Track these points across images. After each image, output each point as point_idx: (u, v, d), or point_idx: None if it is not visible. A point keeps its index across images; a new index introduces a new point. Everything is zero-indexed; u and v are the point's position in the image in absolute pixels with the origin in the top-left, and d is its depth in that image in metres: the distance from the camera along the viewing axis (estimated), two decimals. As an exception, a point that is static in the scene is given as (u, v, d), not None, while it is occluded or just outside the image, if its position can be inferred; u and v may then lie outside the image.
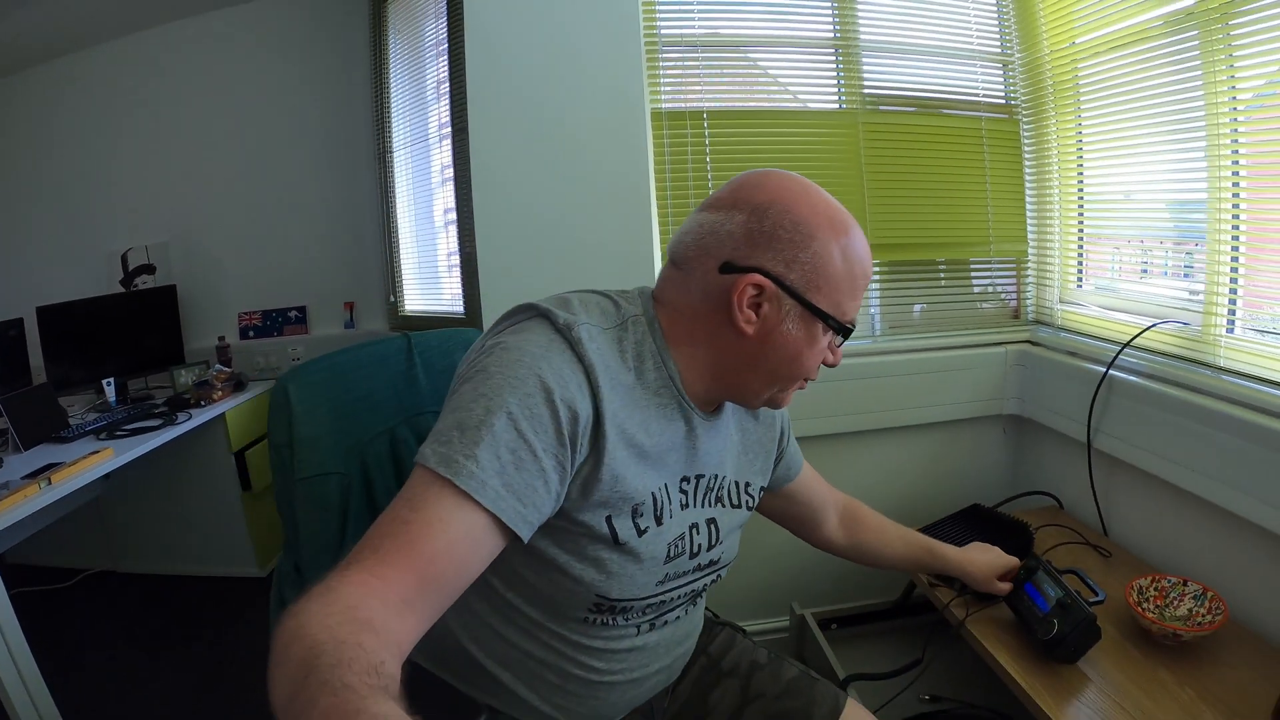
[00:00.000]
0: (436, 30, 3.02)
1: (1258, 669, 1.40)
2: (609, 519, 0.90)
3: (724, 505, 1.07)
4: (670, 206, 2.17)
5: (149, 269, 3.47)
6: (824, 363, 1.00)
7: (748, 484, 1.13)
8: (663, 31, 2.16)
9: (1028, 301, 2.47)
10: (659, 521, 0.96)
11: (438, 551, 0.73)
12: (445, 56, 2.94)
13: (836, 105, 2.32)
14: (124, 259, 3.47)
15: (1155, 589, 1.58)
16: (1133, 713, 1.23)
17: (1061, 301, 2.36)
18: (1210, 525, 1.70)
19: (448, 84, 2.91)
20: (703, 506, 1.03)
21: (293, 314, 3.52)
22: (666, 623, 1.07)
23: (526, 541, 0.83)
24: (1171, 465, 1.77)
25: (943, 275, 2.44)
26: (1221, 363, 1.76)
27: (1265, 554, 1.57)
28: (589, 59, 2.06)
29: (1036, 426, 2.32)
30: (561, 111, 2.05)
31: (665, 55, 2.17)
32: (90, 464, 2.41)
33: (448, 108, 2.96)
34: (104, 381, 3.11)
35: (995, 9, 2.41)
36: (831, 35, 2.30)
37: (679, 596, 1.05)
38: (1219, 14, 1.73)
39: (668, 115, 2.14)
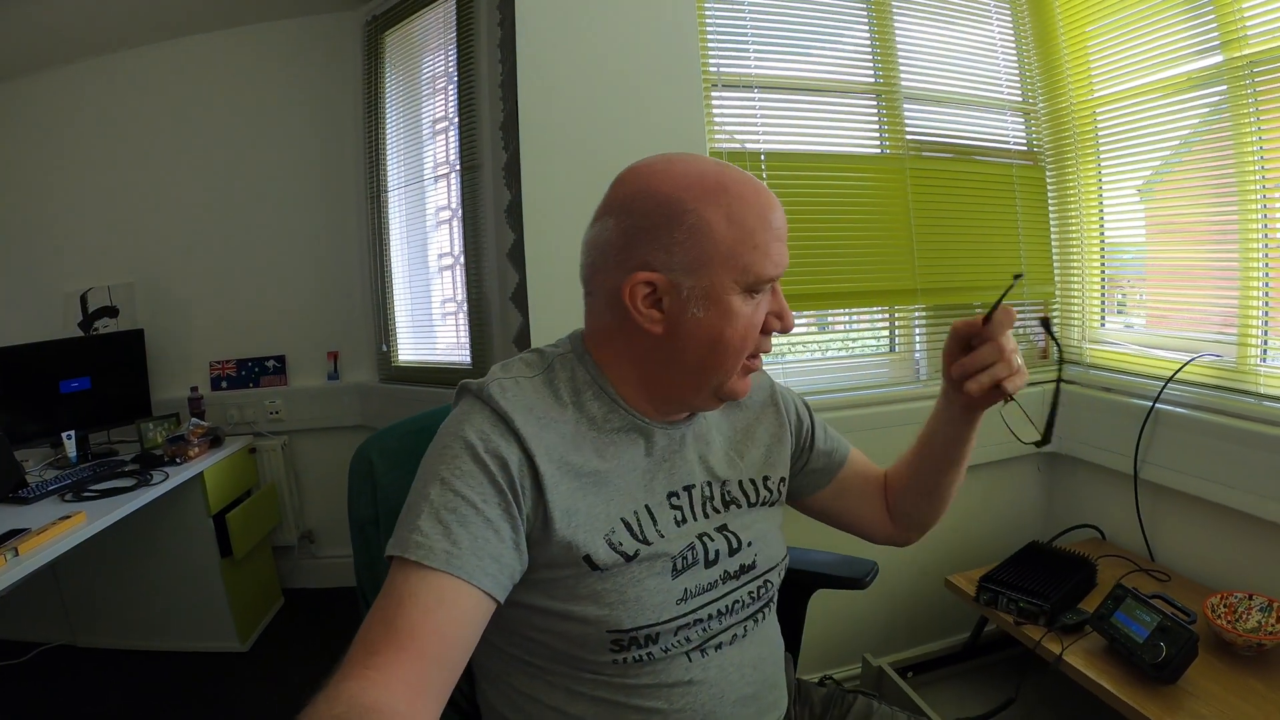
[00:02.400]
0: (435, 64, 2.93)
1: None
2: (586, 557, 0.89)
3: (736, 507, 1.03)
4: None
5: (111, 311, 3.18)
6: (771, 330, 0.96)
7: (761, 479, 1.08)
8: (720, 71, 2.15)
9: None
10: (646, 542, 0.92)
11: (415, 626, 0.75)
12: (446, 91, 2.85)
13: (879, 150, 2.36)
14: (83, 300, 3.17)
15: (1225, 605, 1.70)
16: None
17: (1089, 341, 2.45)
18: (1263, 540, 1.82)
19: (455, 119, 2.82)
20: (705, 517, 1.00)
21: (270, 363, 3.28)
22: (721, 645, 0.99)
23: (502, 598, 0.83)
24: (1220, 487, 1.90)
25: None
26: (1262, 389, 1.90)
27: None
28: (646, 97, 2.02)
29: (1072, 461, 2.39)
30: (618, 148, 1.97)
31: (722, 96, 2.16)
32: (62, 530, 2.13)
33: (446, 144, 2.87)
34: (64, 435, 2.81)
35: (1017, 59, 2.51)
36: (873, 82, 2.35)
37: (719, 612, 0.98)
38: (1246, 71, 1.87)
39: (727, 156, 2.10)
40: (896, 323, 2.46)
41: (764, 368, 1.05)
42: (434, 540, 0.79)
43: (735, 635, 1.00)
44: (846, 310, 2.45)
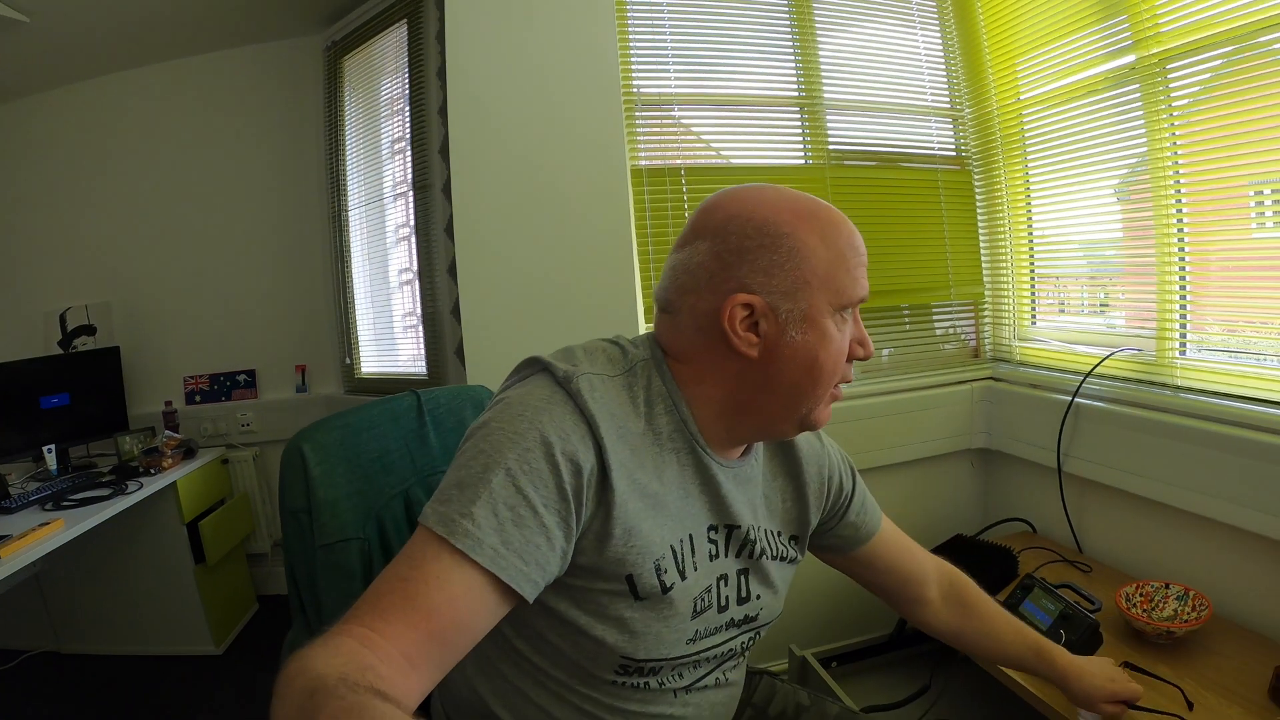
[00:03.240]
0: (393, 86, 3.04)
1: (1247, 654, 1.57)
2: (629, 576, 0.87)
3: (761, 558, 1.02)
4: (652, 260, 2.22)
5: (89, 330, 3.31)
6: (855, 357, 0.95)
7: (790, 537, 1.09)
8: (640, 90, 2.23)
9: (986, 340, 2.60)
10: (683, 575, 0.92)
11: (436, 608, 0.73)
12: (404, 113, 2.95)
13: (803, 160, 2.43)
14: (62, 319, 3.30)
15: (1140, 594, 1.73)
16: (1142, 704, 1.31)
17: (1019, 339, 2.52)
18: (1183, 530, 1.87)
19: (406, 140, 2.93)
20: (735, 558, 0.99)
21: (241, 378, 3.40)
22: (705, 687, 1.01)
23: (533, 600, 0.81)
24: (1140, 479, 1.95)
25: (907, 320, 2.55)
26: (1179, 382, 1.95)
27: (1238, 551, 1.74)
28: (571, 116, 2.11)
29: (1004, 457, 2.46)
30: (544, 168, 2.09)
31: (643, 114, 2.24)
32: (40, 536, 2.25)
33: (404, 165, 2.97)
34: (44, 448, 2.94)
35: (944, 66, 2.57)
36: (796, 94, 2.41)
37: (715, 657, 1.00)
38: (1159, 68, 1.92)
39: (647, 172, 2.20)
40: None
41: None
42: (485, 534, 0.76)
43: (717, 680, 1.03)
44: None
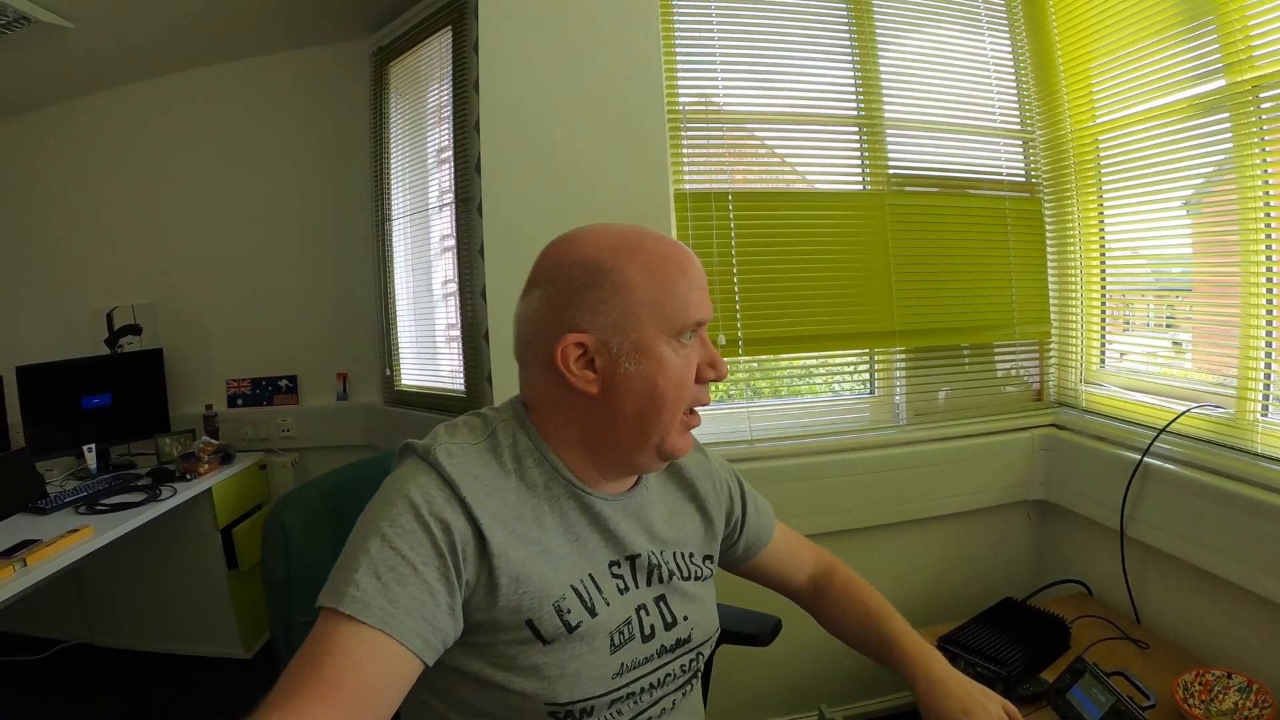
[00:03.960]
0: (439, 94, 2.97)
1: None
2: (529, 621, 0.88)
3: (674, 579, 1.03)
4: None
5: (135, 329, 3.33)
6: (704, 379, 0.97)
7: (702, 556, 1.10)
8: (687, 109, 2.12)
9: (1050, 383, 2.43)
10: (592, 612, 0.93)
11: (342, 677, 0.74)
12: (449, 122, 2.88)
13: (861, 185, 2.29)
14: (109, 318, 3.33)
15: (1200, 684, 1.59)
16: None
17: (1085, 383, 2.34)
18: (1253, 615, 1.70)
19: (450, 151, 2.86)
20: (647, 586, 1.00)
21: (283, 383, 3.38)
22: (651, 718, 1.00)
23: (431, 662, 0.82)
24: (1209, 553, 1.77)
25: (967, 360, 2.40)
26: (1259, 448, 1.76)
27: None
28: (611, 134, 2.02)
29: (1062, 512, 2.28)
30: (582, 189, 2.00)
31: (688, 132, 2.12)
32: (69, 543, 2.25)
33: (448, 175, 2.91)
34: (85, 447, 2.97)
35: (1014, 83, 2.40)
36: (854, 112, 2.27)
37: (651, 685, 0.99)
38: (1251, 95, 1.73)
39: (692, 197, 2.08)
40: (877, 365, 2.38)
41: (705, 415, 1.05)
42: (370, 596, 0.78)
43: (664, 709, 1.02)
44: (823, 354, 2.38)
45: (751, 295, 2.13)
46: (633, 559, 0.99)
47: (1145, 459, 1.92)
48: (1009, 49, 2.40)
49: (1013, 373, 2.46)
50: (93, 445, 2.99)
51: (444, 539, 0.84)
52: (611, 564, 0.98)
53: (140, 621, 3.10)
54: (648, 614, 0.99)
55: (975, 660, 1.76)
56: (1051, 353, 2.44)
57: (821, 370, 2.46)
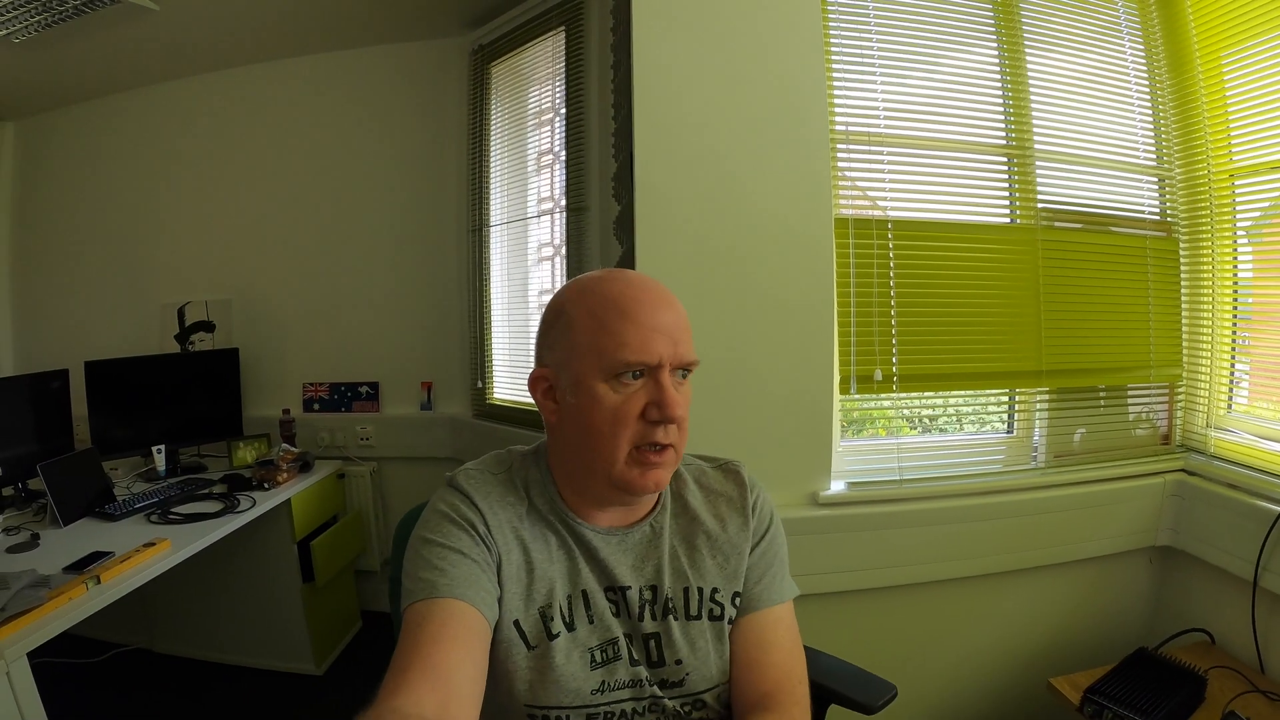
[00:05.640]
0: (543, 97, 2.86)
1: None
2: (516, 622, 0.97)
3: (671, 618, 1.03)
4: (854, 328, 2.01)
5: (208, 326, 3.22)
6: (651, 418, 0.95)
7: (710, 590, 1.05)
8: (849, 129, 2.03)
9: (1177, 427, 2.39)
10: (570, 626, 0.99)
11: (435, 637, 0.85)
12: (553, 125, 2.78)
13: (1009, 219, 2.23)
14: (180, 313, 3.21)
15: None
16: None
17: (1214, 428, 2.29)
18: None
19: (553, 155, 2.77)
20: (639, 620, 1.02)
21: (364, 390, 3.26)
22: None
23: (493, 620, 0.94)
24: None
25: (1103, 401, 2.33)
26: None
27: None
28: (773, 153, 1.92)
29: (1188, 559, 2.22)
30: (739, 210, 1.91)
31: (844, 154, 2.03)
32: (145, 558, 2.12)
33: (551, 180, 2.80)
34: (154, 448, 2.85)
35: (1152, 118, 2.34)
36: (1004, 142, 2.21)
37: (635, 712, 1.00)
38: None
39: (854, 223, 1.98)
40: (1017, 404, 2.31)
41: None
42: (434, 579, 0.91)
43: None
44: (970, 393, 2.31)
45: (908, 329, 2.05)
46: (622, 590, 1.02)
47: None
48: (1148, 86, 2.34)
49: (1144, 416, 2.38)
50: (162, 446, 2.87)
51: (475, 530, 0.97)
52: (608, 589, 1.03)
53: (203, 630, 2.99)
54: (633, 643, 1.02)
55: (1123, 712, 1.75)
56: (1180, 396, 2.38)
57: (969, 411, 2.39)
